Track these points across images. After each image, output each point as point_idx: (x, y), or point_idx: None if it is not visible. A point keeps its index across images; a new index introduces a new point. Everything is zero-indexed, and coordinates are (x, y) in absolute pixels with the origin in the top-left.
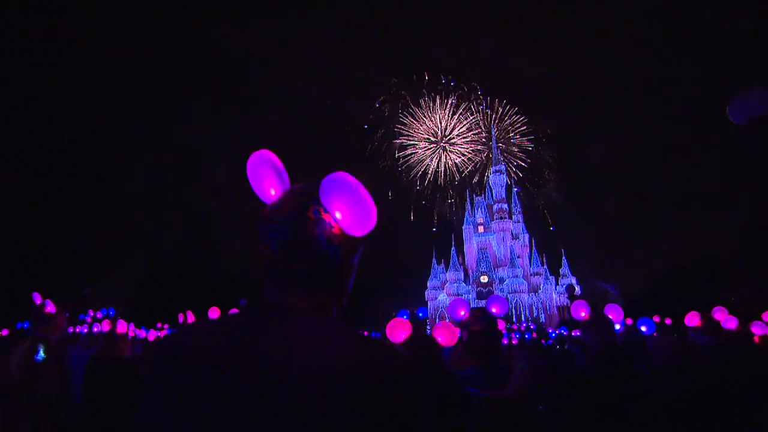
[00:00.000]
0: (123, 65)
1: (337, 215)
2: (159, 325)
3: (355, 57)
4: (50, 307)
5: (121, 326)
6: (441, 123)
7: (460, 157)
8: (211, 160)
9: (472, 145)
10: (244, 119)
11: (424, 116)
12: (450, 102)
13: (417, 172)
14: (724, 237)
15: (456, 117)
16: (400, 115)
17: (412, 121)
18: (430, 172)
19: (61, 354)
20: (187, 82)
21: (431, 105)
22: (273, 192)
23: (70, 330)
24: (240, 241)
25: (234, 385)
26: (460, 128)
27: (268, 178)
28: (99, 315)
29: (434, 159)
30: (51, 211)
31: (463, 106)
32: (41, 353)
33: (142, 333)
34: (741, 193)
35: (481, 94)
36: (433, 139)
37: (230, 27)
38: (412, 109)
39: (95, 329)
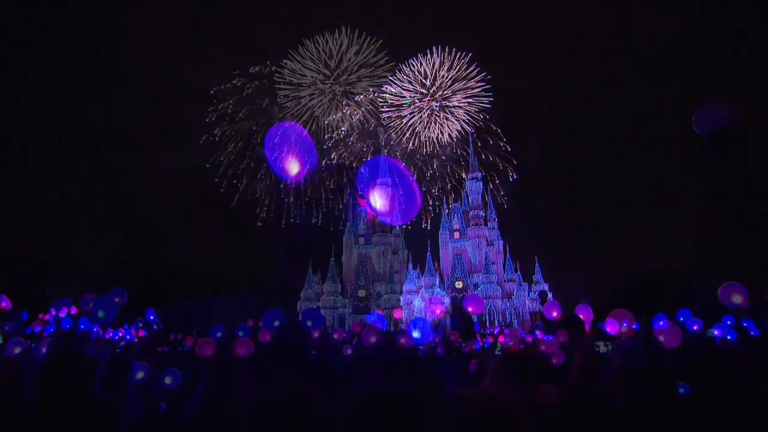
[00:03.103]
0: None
1: (375, 202)
2: (126, 326)
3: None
4: (5, 303)
5: (83, 324)
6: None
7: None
8: (154, 154)
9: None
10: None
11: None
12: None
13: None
14: (686, 242)
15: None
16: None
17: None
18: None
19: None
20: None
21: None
22: (296, 169)
23: (28, 330)
24: (197, 237)
25: None
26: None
27: (291, 154)
28: (61, 314)
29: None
30: (11, 210)
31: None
32: None
33: (108, 334)
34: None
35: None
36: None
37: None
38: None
39: (64, 327)
